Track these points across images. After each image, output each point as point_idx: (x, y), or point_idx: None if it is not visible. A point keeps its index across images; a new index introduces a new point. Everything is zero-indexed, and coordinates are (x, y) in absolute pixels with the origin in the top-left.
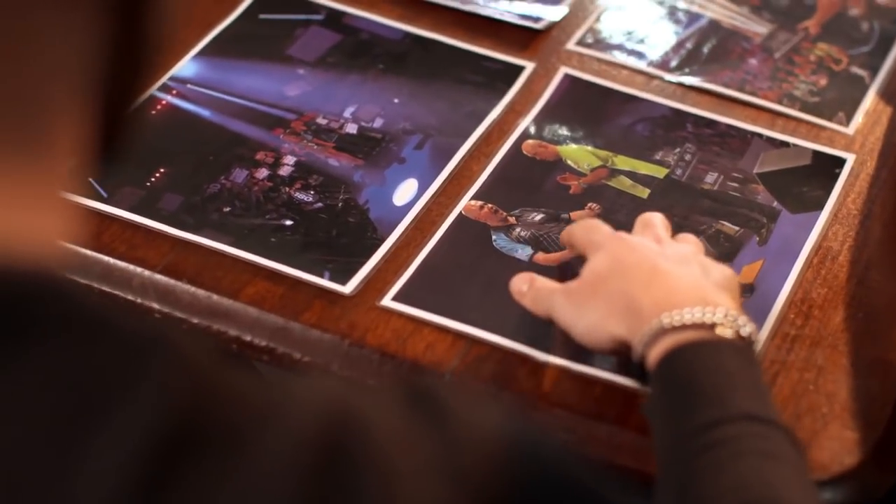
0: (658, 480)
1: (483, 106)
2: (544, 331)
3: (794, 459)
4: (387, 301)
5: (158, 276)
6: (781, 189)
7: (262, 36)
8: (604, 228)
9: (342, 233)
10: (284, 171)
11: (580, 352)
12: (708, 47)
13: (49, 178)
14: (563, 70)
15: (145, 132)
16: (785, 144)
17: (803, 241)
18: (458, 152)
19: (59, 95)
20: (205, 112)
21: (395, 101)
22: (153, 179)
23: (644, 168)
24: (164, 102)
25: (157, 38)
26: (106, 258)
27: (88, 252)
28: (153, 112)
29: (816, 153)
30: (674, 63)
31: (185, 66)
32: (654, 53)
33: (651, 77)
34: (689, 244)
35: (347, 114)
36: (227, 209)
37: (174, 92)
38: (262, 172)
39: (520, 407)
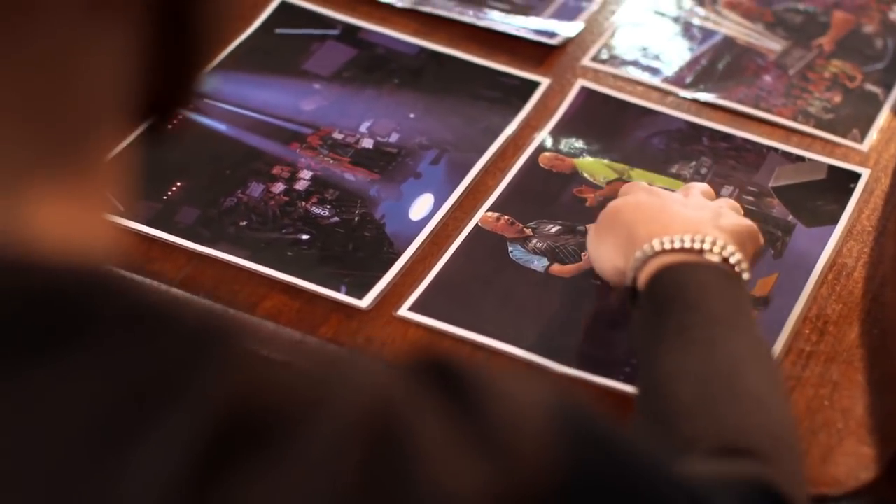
0: (637, 389)
1: (499, 121)
2: (561, 342)
3: (763, 358)
4: (403, 312)
5: (175, 291)
6: (796, 203)
7: (279, 50)
8: (640, 182)
9: (358, 247)
10: (301, 185)
11: (597, 363)
12: (723, 64)
13: (94, 179)
14: (580, 83)
15: (162, 146)
16: (800, 159)
17: (818, 255)
18: (474, 167)
19: (102, 102)
20: (221, 126)
21: (411, 115)
22: (170, 193)
23: (660, 181)
24: (180, 117)
25: (204, 42)
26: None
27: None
28: (169, 126)
29: (832, 167)
30: (688, 79)
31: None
32: (669, 70)
33: (666, 93)
34: (723, 201)
35: (363, 128)
36: (244, 223)
37: (191, 106)
38: (279, 186)
39: (565, 384)
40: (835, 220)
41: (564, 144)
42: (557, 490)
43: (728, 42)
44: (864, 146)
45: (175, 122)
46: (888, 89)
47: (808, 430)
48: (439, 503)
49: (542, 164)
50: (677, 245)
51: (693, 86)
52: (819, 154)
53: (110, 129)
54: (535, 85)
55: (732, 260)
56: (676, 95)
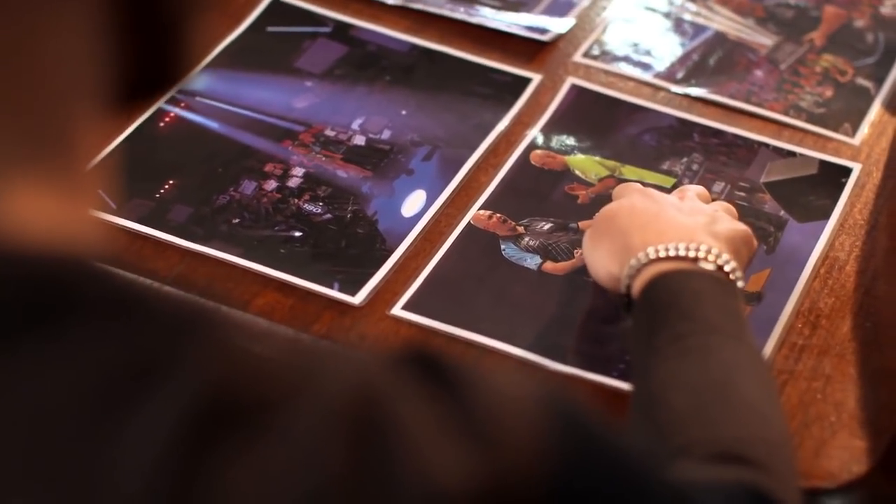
0: (631, 397)
1: (490, 118)
2: (555, 339)
3: (757, 367)
4: (396, 311)
5: (168, 289)
6: (788, 198)
7: (270, 48)
8: (634, 184)
9: (351, 244)
10: (293, 182)
11: (591, 360)
12: (714, 59)
13: (75, 171)
14: (571, 81)
15: (154, 144)
16: (791, 154)
17: (810, 250)
18: (466, 163)
19: (73, 89)
20: (213, 124)
21: (403, 112)
22: (162, 191)
23: (652, 178)
24: (172, 115)
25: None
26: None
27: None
28: (162, 124)
29: (823, 163)
30: (680, 75)
31: (194, 79)
32: (661, 65)
33: (657, 88)
34: (718, 205)
35: (355, 125)
36: (237, 220)
37: (183, 104)
38: (271, 184)
39: (558, 381)
40: (827, 215)
41: (556, 142)
42: (545, 481)
43: (719, 37)
44: (856, 140)
45: (167, 120)
46: (879, 83)
47: (800, 424)
48: (423, 490)
49: (533, 162)
50: (672, 253)
51: (684, 81)
52: (811, 149)
53: (86, 117)
54: (527, 81)
55: (727, 268)
56: (668, 91)
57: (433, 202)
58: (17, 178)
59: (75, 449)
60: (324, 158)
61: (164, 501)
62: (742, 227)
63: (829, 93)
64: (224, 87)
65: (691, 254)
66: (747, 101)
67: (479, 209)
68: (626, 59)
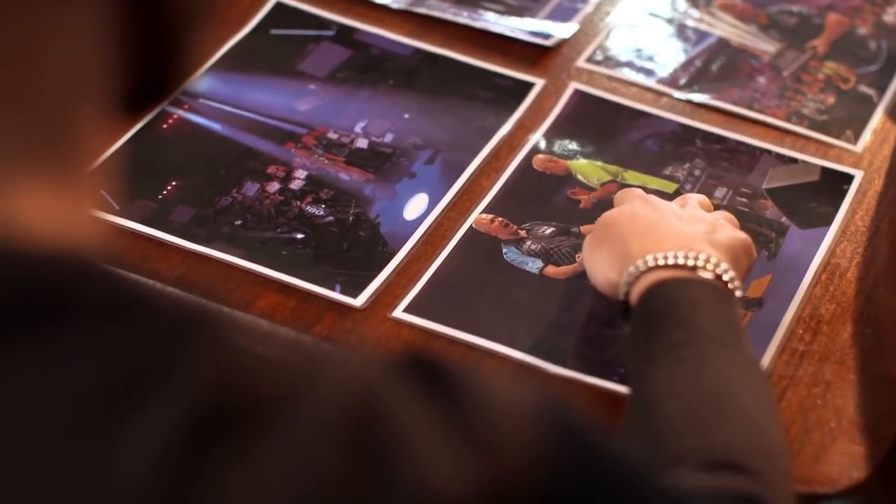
0: (626, 403)
1: (493, 122)
2: (556, 343)
3: (754, 377)
4: (398, 313)
5: (170, 289)
6: (790, 205)
7: (274, 51)
8: (636, 190)
9: (353, 246)
10: (296, 184)
11: (591, 364)
12: (717, 65)
13: (78, 173)
14: (573, 86)
15: (157, 146)
16: (793, 161)
17: (811, 257)
18: (469, 167)
19: (76, 90)
20: (216, 126)
21: (406, 116)
22: (165, 192)
23: (654, 183)
24: (175, 116)
25: (179, 28)
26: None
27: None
28: (165, 126)
29: (825, 170)
30: (683, 81)
31: (197, 81)
32: (663, 71)
33: (660, 94)
34: (719, 214)
35: (358, 128)
36: (239, 222)
37: (186, 106)
38: (274, 186)
39: (552, 386)
40: (828, 222)
41: (558, 146)
42: (540, 487)
43: (722, 43)
44: (858, 147)
45: (170, 121)
46: (882, 91)
47: (801, 429)
48: (421, 495)
49: (535, 167)
50: (671, 261)
51: (687, 87)
52: (812, 156)
53: (89, 118)
54: (530, 86)
55: (725, 277)
56: (671, 97)
57: (435, 205)
58: (19, 177)
59: (74, 450)
60: (326, 161)
61: (163, 501)
62: (742, 235)
63: (831, 100)
64: (227, 90)
65: (690, 262)
66: (750, 107)
67: (481, 213)
68: (629, 64)
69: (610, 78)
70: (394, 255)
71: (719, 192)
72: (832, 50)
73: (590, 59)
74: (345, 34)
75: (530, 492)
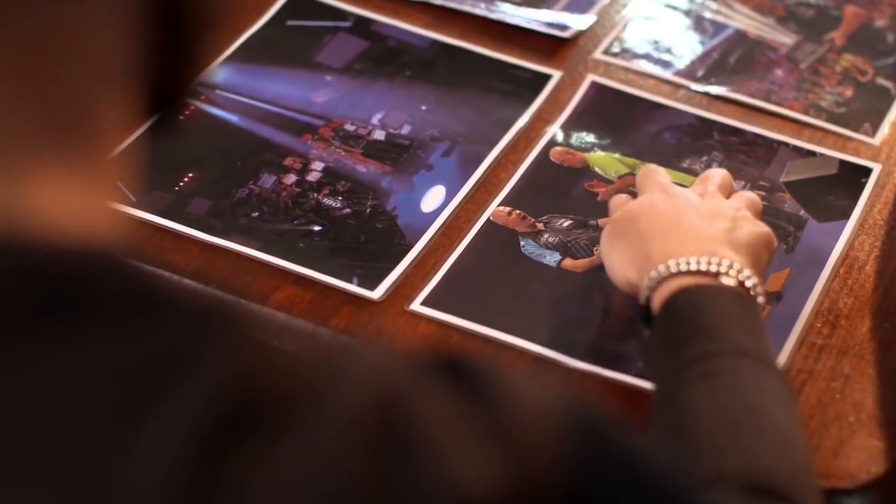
0: (653, 412)
1: (510, 114)
2: (573, 336)
3: (784, 393)
4: (415, 306)
5: (179, 277)
6: (808, 198)
7: (291, 42)
8: (659, 175)
9: (370, 239)
10: (312, 176)
11: (609, 357)
12: (734, 57)
13: (99, 165)
14: (590, 78)
15: (174, 137)
16: (811, 153)
17: (830, 250)
18: (486, 159)
19: (98, 82)
20: (233, 117)
21: (423, 108)
22: (182, 184)
23: (672, 176)
24: (192, 108)
25: (203, 22)
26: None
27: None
28: (181, 117)
29: (843, 163)
30: (700, 73)
31: (214, 72)
32: (681, 63)
33: (677, 86)
34: (740, 200)
35: (375, 120)
36: (256, 214)
37: (203, 97)
38: (291, 178)
39: (577, 380)
40: (847, 215)
41: (575, 139)
42: (563, 486)
43: (739, 35)
44: (876, 140)
45: (187, 112)
46: None
47: (819, 424)
48: (445, 494)
49: (553, 159)
50: (693, 267)
51: (704, 79)
52: (830, 148)
53: (111, 111)
54: (547, 78)
55: (748, 283)
56: (688, 89)
57: (452, 198)
58: (38, 167)
59: (93, 448)
60: (343, 153)
61: (182, 500)
62: (763, 229)
63: (849, 92)
64: (244, 81)
65: (713, 268)
66: (767, 99)
67: (499, 205)
68: (647, 56)
69: (627, 70)
70: (411, 248)
71: (737, 185)
72: (850, 42)
73: (607, 51)
74: (361, 25)
75: (554, 491)
